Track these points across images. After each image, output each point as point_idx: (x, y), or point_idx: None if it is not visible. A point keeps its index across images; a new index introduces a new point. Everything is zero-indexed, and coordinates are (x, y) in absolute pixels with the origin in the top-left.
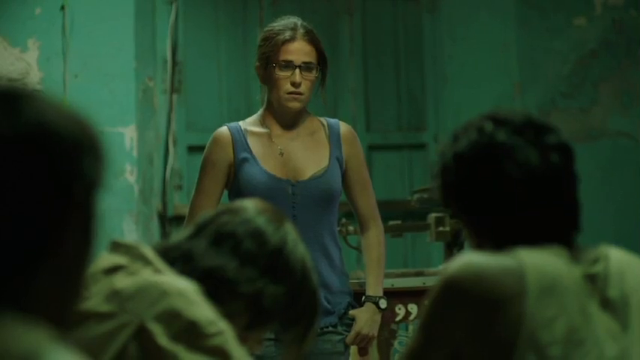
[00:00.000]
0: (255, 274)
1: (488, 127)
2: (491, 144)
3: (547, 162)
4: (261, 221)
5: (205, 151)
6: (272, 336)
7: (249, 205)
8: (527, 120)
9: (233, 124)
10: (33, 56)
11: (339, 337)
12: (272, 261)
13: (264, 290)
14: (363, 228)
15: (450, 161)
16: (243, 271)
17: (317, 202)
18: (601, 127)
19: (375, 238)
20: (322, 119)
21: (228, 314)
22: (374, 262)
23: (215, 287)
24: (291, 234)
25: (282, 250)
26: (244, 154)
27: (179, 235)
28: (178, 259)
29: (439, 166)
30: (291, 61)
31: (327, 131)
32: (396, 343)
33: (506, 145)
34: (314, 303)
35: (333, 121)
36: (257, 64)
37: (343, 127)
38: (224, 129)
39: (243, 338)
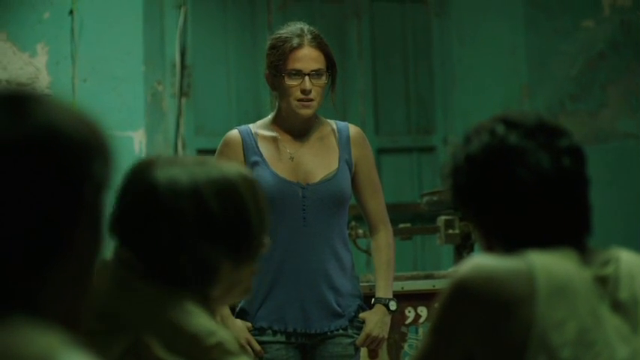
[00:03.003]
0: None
1: (500, 129)
2: (503, 147)
3: (558, 165)
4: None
5: (216, 154)
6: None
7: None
8: (539, 123)
9: (244, 127)
10: (42, 61)
11: (349, 340)
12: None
13: (187, 243)
14: (372, 231)
15: (462, 163)
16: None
17: (327, 205)
18: (609, 129)
19: (384, 240)
20: (332, 122)
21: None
22: (383, 265)
23: (168, 278)
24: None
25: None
26: (255, 158)
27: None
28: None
29: (451, 168)
30: (300, 70)
31: (336, 135)
32: (406, 346)
33: (518, 148)
34: (237, 209)
35: (342, 124)
36: (266, 71)
37: (352, 130)
38: (235, 132)
39: (229, 289)
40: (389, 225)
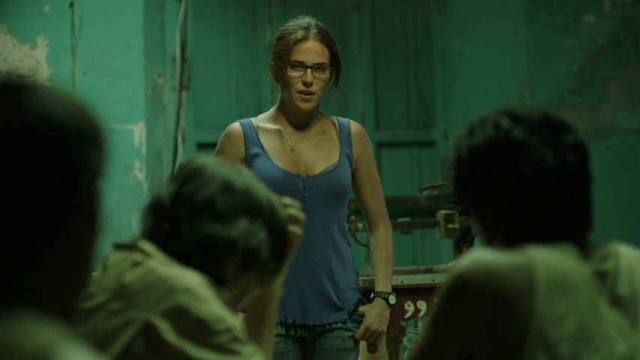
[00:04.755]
0: (237, 222)
1: (505, 123)
2: (508, 141)
3: (562, 162)
4: (223, 173)
5: (218, 146)
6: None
7: (204, 162)
8: (544, 117)
9: (245, 120)
10: (42, 53)
11: (348, 334)
12: (245, 204)
13: (250, 232)
14: (371, 227)
15: (465, 155)
16: (228, 225)
17: (327, 198)
18: (610, 124)
19: (383, 236)
20: (333, 118)
21: (230, 275)
22: (383, 260)
23: (211, 255)
24: (248, 174)
25: (249, 190)
26: (256, 150)
27: (147, 221)
28: (163, 244)
29: (453, 160)
30: (302, 62)
31: (337, 130)
32: (405, 340)
33: (523, 143)
34: (285, 233)
35: (343, 120)
36: (271, 62)
37: (354, 126)
38: (236, 124)
39: (244, 292)
40: (388, 221)
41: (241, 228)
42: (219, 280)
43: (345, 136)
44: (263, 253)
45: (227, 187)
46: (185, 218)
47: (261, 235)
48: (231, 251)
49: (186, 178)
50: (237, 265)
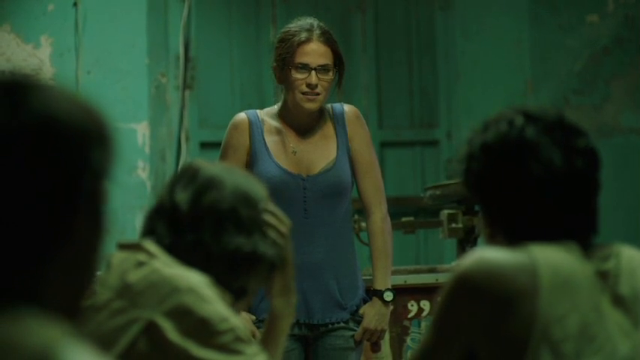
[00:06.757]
0: (258, 235)
1: (519, 121)
2: (519, 139)
3: (571, 165)
4: (243, 186)
5: (225, 137)
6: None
7: (219, 172)
8: (559, 120)
9: (251, 112)
10: (45, 52)
11: (350, 333)
12: (260, 215)
13: (268, 244)
14: (367, 214)
15: (477, 150)
16: (251, 238)
17: (327, 196)
18: (613, 124)
19: (378, 225)
20: (328, 107)
21: (250, 285)
22: (377, 253)
23: (239, 269)
24: (262, 187)
25: (262, 200)
26: (259, 146)
27: (163, 228)
28: (185, 252)
29: (466, 153)
30: (307, 64)
31: (332, 119)
32: (408, 340)
33: (534, 142)
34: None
35: (337, 105)
36: (274, 64)
37: (346, 109)
38: (242, 115)
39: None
40: (383, 207)
41: (264, 242)
42: (239, 292)
43: (339, 124)
44: (278, 264)
45: (248, 200)
46: (209, 231)
47: (275, 247)
48: (258, 265)
49: (203, 186)
50: (259, 278)
